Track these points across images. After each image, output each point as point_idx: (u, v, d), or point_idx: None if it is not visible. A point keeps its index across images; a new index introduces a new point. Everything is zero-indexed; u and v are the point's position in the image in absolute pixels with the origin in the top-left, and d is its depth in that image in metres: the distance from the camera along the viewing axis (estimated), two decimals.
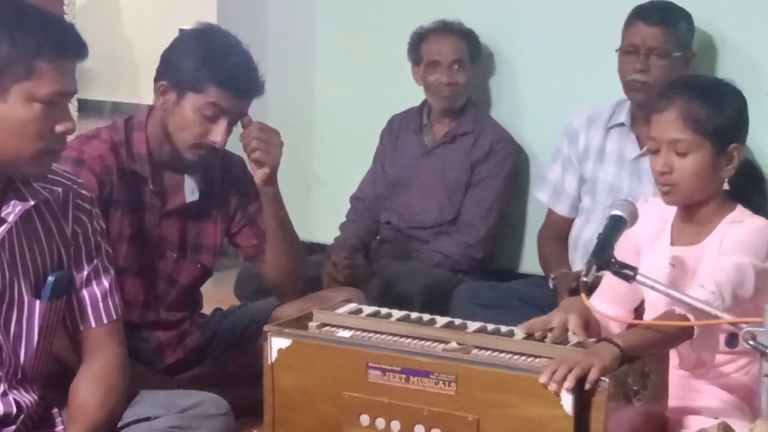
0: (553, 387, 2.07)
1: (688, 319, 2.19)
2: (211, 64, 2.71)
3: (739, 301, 2.25)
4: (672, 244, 2.50)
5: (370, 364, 2.24)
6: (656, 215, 2.48)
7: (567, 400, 2.06)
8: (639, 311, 2.55)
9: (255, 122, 2.84)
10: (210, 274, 3.04)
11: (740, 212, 2.45)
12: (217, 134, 2.74)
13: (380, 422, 2.25)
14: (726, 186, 2.45)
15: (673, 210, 2.51)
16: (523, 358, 2.22)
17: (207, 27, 2.83)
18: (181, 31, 2.89)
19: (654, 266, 2.41)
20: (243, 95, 2.77)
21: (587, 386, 2.06)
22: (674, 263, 2.45)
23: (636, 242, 2.48)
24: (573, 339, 2.31)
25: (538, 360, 2.19)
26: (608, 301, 2.49)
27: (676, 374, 2.43)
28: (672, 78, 3.17)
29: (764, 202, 2.54)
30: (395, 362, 2.23)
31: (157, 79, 2.79)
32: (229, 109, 2.75)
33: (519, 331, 2.36)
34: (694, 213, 2.47)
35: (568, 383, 2.06)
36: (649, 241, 2.50)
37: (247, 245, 3.01)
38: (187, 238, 2.92)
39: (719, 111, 2.42)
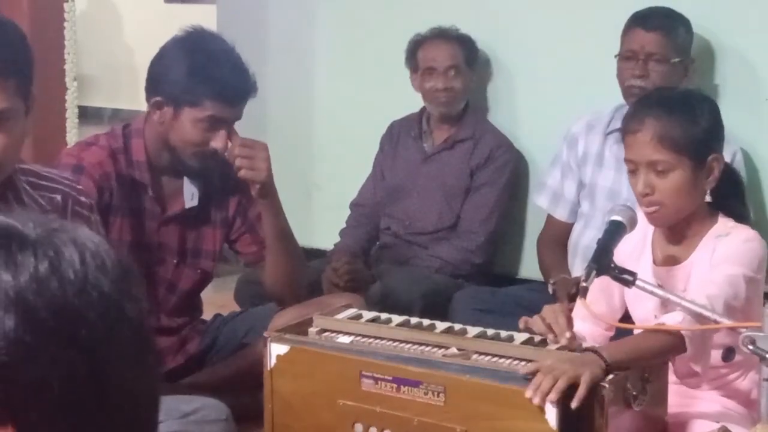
0: (536, 400, 2.04)
1: (679, 332, 2.16)
2: (203, 77, 2.72)
3: (730, 312, 2.21)
4: (655, 263, 2.45)
5: (363, 373, 2.24)
6: (636, 231, 2.40)
7: (551, 414, 2.05)
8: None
9: (237, 138, 2.82)
10: (210, 279, 3.04)
11: (724, 224, 2.40)
12: (218, 141, 2.77)
13: (373, 431, 2.25)
14: (708, 198, 2.41)
15: (650, 227, 2.46)
16: (522, 363, 2.21)
17: (193, 34, 2.82)
18: (176, 42, 2.88)
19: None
20: (239, 102, 2.79)
21: (575, 404, 2.04)
22: (661, 284, 2.39)
23: (620, 258, 2.37)
24: (553, 346, 2.30)
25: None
26: (583, 318, 2.46)
27: (675, 380, 2.42)
28: (671, 84, 3.18)
29: (744, 209, 2.50)
30: (387, 371, 2.22)
31: (149, 93, 2.80)
32: (227, 118, 2.78)
33: (519, 336, 2.36)
34: (677, 230, 2.42)
35: (553, 395, 2.04)
36: (632, 260, 2.44)
37: (247, 252, 3.01)
38: (186, 243, 2.93)
39: (693, 125, 2.36)
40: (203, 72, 2.72)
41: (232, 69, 2.76)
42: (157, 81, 2.79)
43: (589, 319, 2.46)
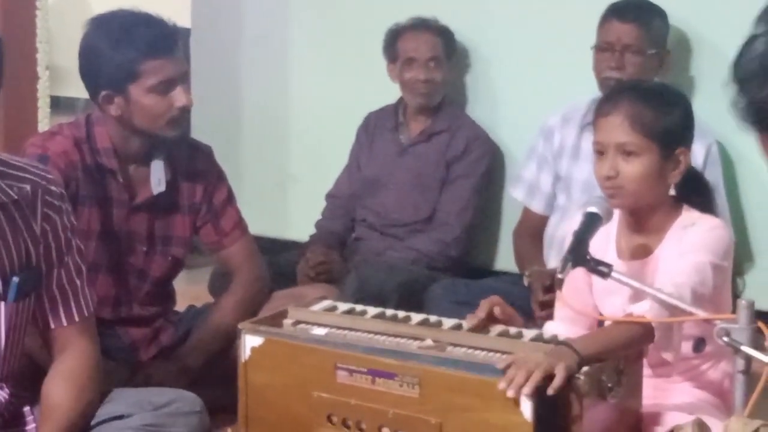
0: (510, 393, 2.02)
1: (649, 321, 2.15)
2: (127, 47, 2.71)
3: (699, 300, 2.21)
4: (620, 257, 2.44)
5: (338, 365, 2.23)
6: (599, 230, 2.38)
7: (526, 406, 2.03)
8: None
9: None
10: (182, 266, 3.02)
11: (689, 215, 2.40)
12: (180, 99, 2.75)
13: (348, 423, 2.23)
14: (672, 192, 2.41)
15: (614, 222, 2.45)
16: (497, 355, 2.21)
17: (93, 22, 2.82)
18: (84, 37, 2.83)
19: (607, 283, 2.30)
20: (172, 51, 2.77)
21: (550, 391, 2.03)
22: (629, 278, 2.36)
23: None
24: (529, 334, 2.31)
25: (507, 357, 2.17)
26: (562, 320, 2.47)
27: (650, 372, 2.42)
28: (646, 75, 3.19)
29: (709, 209, 2.47)
30: (362, 363, 2.21)
31: (94, 93, 2.78)
32: (173, 73, 2.75)
33: (494, 328, 2.36)
34: (641, 222, 2.42)
35: (527, 389, 2.02)
36: (598, 256, 2.37)
37: (207, 241, 3.02)
38: (155, 230, 2.91)
39: (666, 114, 2.37)
40: (124, 43, 2.72)
41: (146, 25, 2.75)
42: (93, 78, 2.78)
43: (568, 321, 2.46)
